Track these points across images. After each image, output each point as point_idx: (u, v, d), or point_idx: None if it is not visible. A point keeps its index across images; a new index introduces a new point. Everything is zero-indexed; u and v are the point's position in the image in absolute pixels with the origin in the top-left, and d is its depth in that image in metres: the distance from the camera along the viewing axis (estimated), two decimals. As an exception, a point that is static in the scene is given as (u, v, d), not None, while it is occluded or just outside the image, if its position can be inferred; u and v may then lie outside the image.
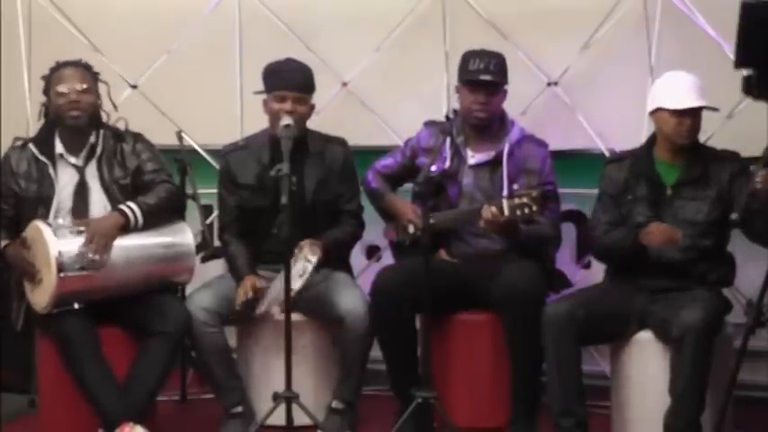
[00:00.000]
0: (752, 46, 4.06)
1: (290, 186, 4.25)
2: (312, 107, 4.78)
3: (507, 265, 4.56)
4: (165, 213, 4.58)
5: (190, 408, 5.20)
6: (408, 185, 4.91)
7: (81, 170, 4.59)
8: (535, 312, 4.36)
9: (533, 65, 5.25)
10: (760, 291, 4.23)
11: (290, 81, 4.69)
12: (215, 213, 5.27)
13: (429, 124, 4.88)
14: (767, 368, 4.97)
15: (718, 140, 4.72)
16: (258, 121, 4.81)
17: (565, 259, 5.06)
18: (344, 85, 5.53)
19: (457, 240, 4.76)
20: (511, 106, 4.86)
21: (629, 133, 4.88)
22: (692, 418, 4.17)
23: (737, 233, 4.41)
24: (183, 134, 5.07)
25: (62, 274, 4.31)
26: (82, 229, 4.40)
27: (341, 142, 4.85)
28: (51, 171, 4.56)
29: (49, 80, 4.61)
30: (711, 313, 4.21)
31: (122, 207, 4.47)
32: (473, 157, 4.75)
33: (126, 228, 4.45)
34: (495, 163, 4.72)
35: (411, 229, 4.74)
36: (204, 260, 4.80)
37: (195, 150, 5.51)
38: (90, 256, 4.34)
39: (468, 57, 4.71)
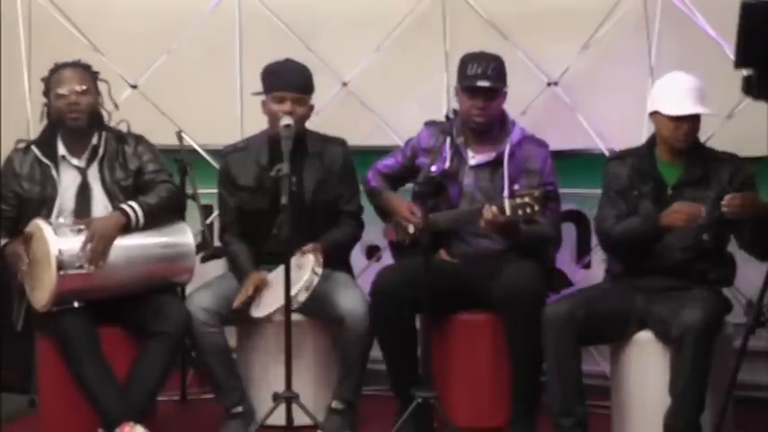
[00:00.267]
0: (752, 46, 4.06)
1: (289, 187, 4.26)
2: (311, 108, 4.78)
3: (507, 265, 4.56)
4: (166, 213, 4.59)
5: (190, 408, 5.19)
6: (409, 185, 4.91)
7: (83, 172, 4.59)
8: (535, 312, 4.36)
9: (533, 65, 5.25)
10: (760, 291, 4.24)
11: (289, 82, 4.69)
12: (215, 213, 5.28)
13: (429, 124, 4.88)
14: (767, 368, 4.98)
15: (718, 140, 4.72)
16: (258, 122, 4.81)
17: (565, 259, 5.06)
18: (344, 85, 5.53)
19: (457, 240, 4.76)
20: (511, 106, 4.86)
21: (629, 133, 4.88)
22: (692, 419, 4.17)
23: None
24: (183, 134, 5.07)
25: (62, 272, 4.31)
26: (82, 227, 4.40)
27: (340, 142, 4.85)
28: (54, 173, 4.57)
29: (49, 82, 4.62)
30: (711, 313, 4.21)
31: (123, 206, 4.48)
32: (474, 158, 4.75)
33: (127, 227, 4.45)
34: (495, 163, 4.72)
35: (411, 229, 4.74)
36: (204, 260, 4.80)
37: (195, 150, 5.50)
38: (90, 256, 4.35)
39: (466, 61, 4.70)
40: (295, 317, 4.39)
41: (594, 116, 5.19)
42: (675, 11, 5.02)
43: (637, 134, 4.76)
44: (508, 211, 4.40)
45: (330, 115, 5.36)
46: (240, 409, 4.66)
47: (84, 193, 4.57)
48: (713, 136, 4.77)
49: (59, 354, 4.40)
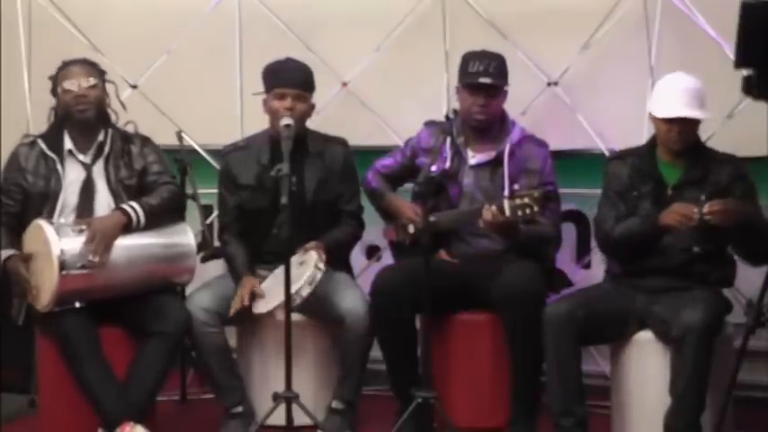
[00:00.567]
0: (752, 46, 4.06)
1: (290, 186, 4.26)
2: (312, 106, 4.78)
3: (507, 265, 4.56)
4: (167, 214, 4.59)
5: (190, 408, 5.20)
6: (408, 185, 4.91)
7: (88, 168, 4.59)
8: (535, 312, 4.37)
9: (533, 65, 5.25)
10: (760, 291, 4.24)
11: (289, 78, 4.69)
12: (215, 213, 5.27)
13: (429, 124, 4.88)
14: (767, 368, 4.98)
15: (718, 140, 4.71)
16: (258, 121, 4.81)
17: (565, 259, 5.06)
18: (344, 85, 5.53)
19: (457, 240, 4.76)
20: (511, 106, 4.86)
21: (629, 133, 4.88)
22: (692, 419, 4.17)
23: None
24: (183, 134, 5.07)
25: (64, 273, 4.32)
26: (84, 227, 4.40)
27: (341, 142, 4.85)
28: (59, 167, 4.57)
29: (56, 79, 4.63)
30: (712, 313, 4.21)
31: (125, 206, 4.48)
32: (474, 158, 4.75)
33: (128, 227, 4.46)
34: (495, 163, 4.72)
35: (411, 229, 4.75)
36: (204, 260, 4.79)
37: (195, 150, 5.50)
38: (90, 257, 4.35)
39: (467, 58, 4.71)
40: (295, 317, 4.39)
41: (594, 116, 5.18)
42: (675, 11, 5.02)
43: (637, 134, 4.77)
44: (508, 212, 4.40)
45: (330, 115, 5.36)
46: (240, 409, 4.66)
47: (88, 189, 4.57)
48: (713, 136, 4.77)
49: (60, 354, 4.40)
